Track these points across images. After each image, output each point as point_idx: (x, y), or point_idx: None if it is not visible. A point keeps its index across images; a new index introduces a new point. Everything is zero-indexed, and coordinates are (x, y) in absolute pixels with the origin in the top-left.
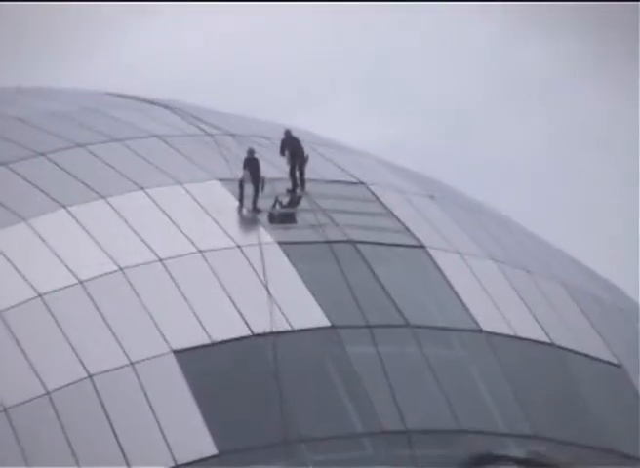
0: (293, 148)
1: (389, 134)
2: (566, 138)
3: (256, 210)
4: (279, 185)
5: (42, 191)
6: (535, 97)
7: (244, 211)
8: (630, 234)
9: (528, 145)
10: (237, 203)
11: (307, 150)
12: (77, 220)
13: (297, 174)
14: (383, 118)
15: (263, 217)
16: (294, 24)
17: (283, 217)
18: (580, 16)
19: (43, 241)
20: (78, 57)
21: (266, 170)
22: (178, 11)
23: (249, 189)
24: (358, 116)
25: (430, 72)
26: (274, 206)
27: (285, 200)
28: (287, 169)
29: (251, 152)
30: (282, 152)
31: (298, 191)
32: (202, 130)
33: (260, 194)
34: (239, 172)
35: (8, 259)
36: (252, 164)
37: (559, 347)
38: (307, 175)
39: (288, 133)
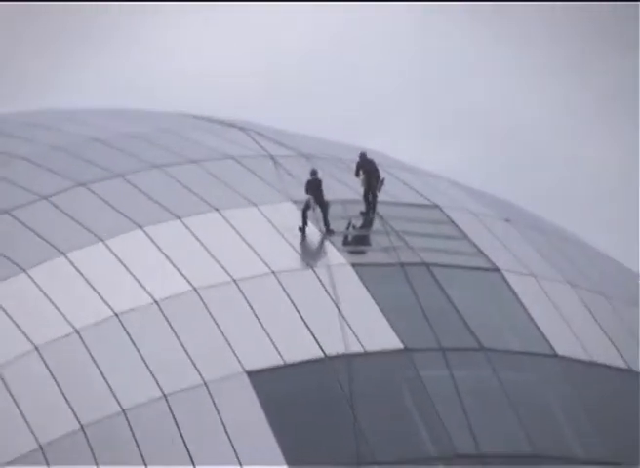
0: (368, 170)
1: (453, 157)
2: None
3: (329, 231)
4: (352, 207)
5: (119, 212)
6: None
7: (310, 234)
8: None
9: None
10: (301, 226)
11: (381, 172)
12: (153, 241)
13: (370, 196)
14: (446, 141)
15: (337, 239)
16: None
17: (357, 239)
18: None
19: (119, 261)
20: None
21: (340, 191)
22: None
23: (314, 212)
24: (422, 139)
25: (504, 99)
26: (348, 228)
27: (358, 222)
28: (361, 191)
29: (314, 173)
30: (357, 174)
31: (370, 214)
32: (275, 151)
33: (329, 215)
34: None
35: (86, 279)
36: (315, 185)
37: (636, 373)
38: (381, 197)
39: (363, 155)
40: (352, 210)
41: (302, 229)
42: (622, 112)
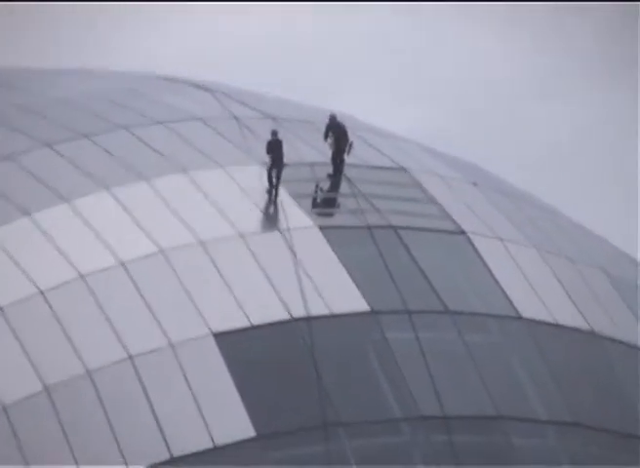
0: (337, 133)
1: (422, 120)
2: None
3: (277, 195)
4: (319, 170)
5: (84, 172)
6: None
7: (278, 196)
8: None
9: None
10: (268, 187)
11: (350, 135)
12: (119, 202)
13: (337, 160)
14: (412, 105)
15: (305, 202)
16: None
17: (324, 202)
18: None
19: (85, 222)
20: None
21: (308, 153)
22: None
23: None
24: (390, 102)
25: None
26: (315, 191)
27: (325, 185)
28: (329, 153)
29: (274, 133)
30: (325, 137)
31: (337, 177)
32: (242, 113)
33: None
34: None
35: (50, 240)
36: (276, 146)
37: (599, 335)
38: (349, 160)
39: (333, 118)
40: (320, 172)
41: (269, 191)
42: (601, 73)
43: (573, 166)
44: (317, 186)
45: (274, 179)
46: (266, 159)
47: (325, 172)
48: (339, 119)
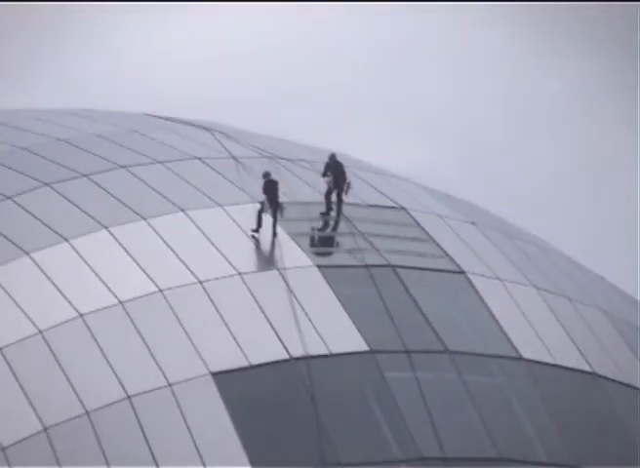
0: (336, 172)
1: (415, 159)
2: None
3: (275, 235)
4: (314, 209)
5: (84, 212)
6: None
7: (260, 236)
8: None
9: (543, 172)
10: (255, 228)
11: (348, 174)
12: (118, 241)
13: (333, 198)
14: (407, 143)
15: (303, 241)
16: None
17: (322, 241)
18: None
19: (84, 261)
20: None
21: (303, 192)
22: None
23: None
24: (386, 140)
25: (454, 98)
26: (313, 229)
27: (318, 224)
28: (324, 191)
29: (267, 175)
30: (324, 174)
31: (332, 215)
32: (239, 152)
33: (280, 217)
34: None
35: (50, 279)
36: (271, 187)
37: (600, 376)
38: (348, 198)
39: (333, 156)
40: (314, 211)
41: (257, 230)
42: (598, 109)
43: (571, 200)
44: (313, 228)
45: (271, 219)
46: (261, 199)
47: (319, 211)
48: (338, 158)
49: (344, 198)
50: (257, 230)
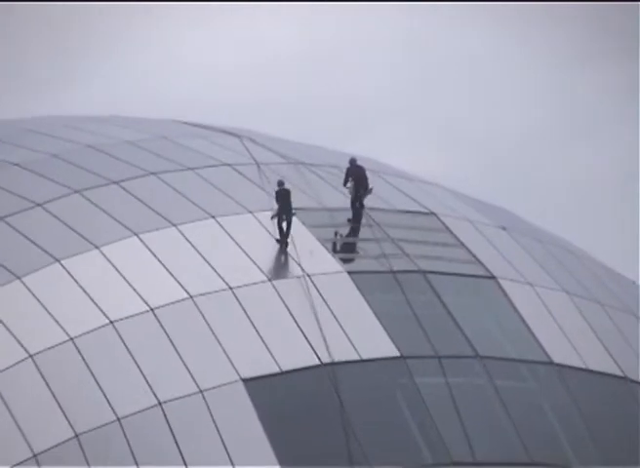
0: (357, 177)
1: (437, 163)
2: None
3: (286, 243)
4: (339, 215)
5: (114, 219)
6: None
7: (306, 242)
8: None
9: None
10: (279, 237)
11: (376, 179)
12: (148, 248)
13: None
14: (430, 147)
15: (333, 247)
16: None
17: (351, 247)
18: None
19: (115, 268)
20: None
21: (334, 198)
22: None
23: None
24: (407, 145)
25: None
26: (336, 235)
27: (345, 230)
28: (349, 198)
29: (281, 184)
30: (345, 182)
31: (356, 222)
32: (267, 158)
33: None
34: (308, 201)
35: (81, 286)
36: (283, 195)
37: (632, 380)
38: (377, 204)
39: (353, 161)
40: (340, 217)
41: (280, 240)
42: (618, 115)
43: (602, 206)
44: (336, 232)
45: (285, 227)
46: (275, 208)
47: (345, 217)
48: (359, 163)
49: (365, 203)
50: (280, 239)
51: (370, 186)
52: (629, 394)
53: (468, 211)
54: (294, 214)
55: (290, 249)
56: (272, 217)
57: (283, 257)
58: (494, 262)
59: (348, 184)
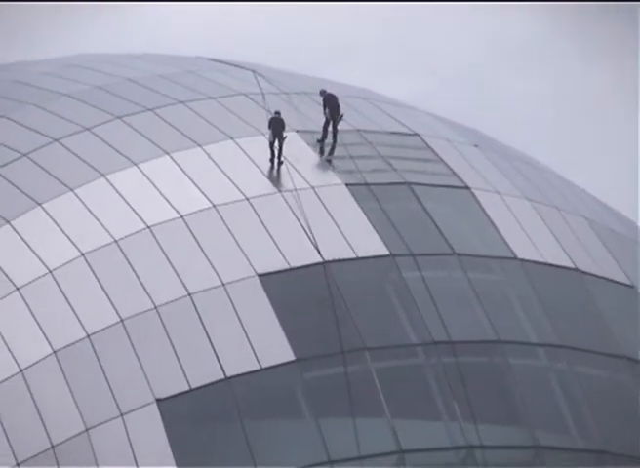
0: (331, 105)
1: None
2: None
3: (280, 163)
4: (346, 137)
5: (149, 140)
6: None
7: (313, 160)
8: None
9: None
10: (270, 157)
11: (369, 105)
12: (179, 165)
13: (329, 127)
14: (401, 75)
15: (335, 164)
16: None
17: (347, 163)
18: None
19: (150, 182)
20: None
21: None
22: None
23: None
24: (382, 73)
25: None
26: (330, 153)
27: (318, 149)
28: (323, 122)
29: (277, 113)
30: (325, 109)
31: (325, 142)
32: (279, 89)
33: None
34: (310, 124)
35: (122, 197)
36: (275, 122)
37: (582, 271)
38: (370, 126)
39: (323, 92)
40: (345, 140)
41: (271, 159)
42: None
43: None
44: (321, 148)
45: (275, 150)
46: (268, 133)
47: (345, 140)
48: (330, 92)
49: (338, 127)
50: (272, 158)
51: (341, 113)
52: (580, 282)
53: (447, 131)
54: (284, 139)
55: (298, 166)
56: (270, 141)
57: (290, 173)
58: (468, 175)
59: (326, 111)
